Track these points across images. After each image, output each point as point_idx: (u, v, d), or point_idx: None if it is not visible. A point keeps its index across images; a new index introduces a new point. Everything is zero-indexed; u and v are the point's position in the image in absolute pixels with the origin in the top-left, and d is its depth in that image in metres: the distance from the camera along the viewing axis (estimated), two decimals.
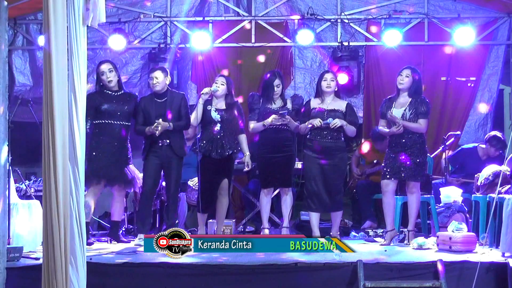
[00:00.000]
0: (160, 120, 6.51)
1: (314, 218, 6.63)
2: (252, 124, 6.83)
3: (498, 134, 7.71)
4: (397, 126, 6.45)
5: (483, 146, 7.73)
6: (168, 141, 6.59)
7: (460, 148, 8.05)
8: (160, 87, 6.67)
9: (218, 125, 6.65)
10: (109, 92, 6.66)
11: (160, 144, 6.60)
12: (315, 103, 6.68)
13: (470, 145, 7.99)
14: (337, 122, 6.49)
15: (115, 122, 6.59)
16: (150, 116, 6.62)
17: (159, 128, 6.47)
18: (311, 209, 6.61)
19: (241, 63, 8.75)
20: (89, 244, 5.83)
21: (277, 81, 6.77)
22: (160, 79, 6.66)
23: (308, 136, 6.64)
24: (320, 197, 6.57)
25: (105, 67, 6.64)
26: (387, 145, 6.72)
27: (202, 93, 6.69)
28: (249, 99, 6.94)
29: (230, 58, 8.74)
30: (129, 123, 6.71)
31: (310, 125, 6.53)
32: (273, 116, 6.66)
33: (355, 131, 6.77)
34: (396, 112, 6.56)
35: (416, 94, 6.57)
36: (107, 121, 6.57)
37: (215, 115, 6.66)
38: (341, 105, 6.68)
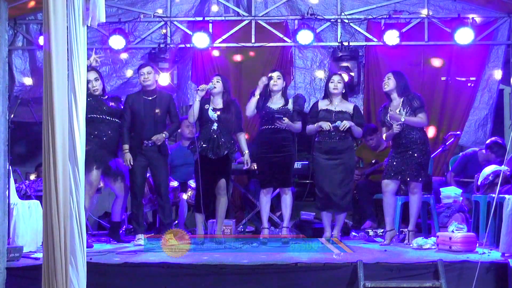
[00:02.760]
0: (158, 136, 6.59)
1: (326, 217, 6.71)
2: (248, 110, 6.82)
3: (499, 140, 7.65)
4: (396, 124, 6.46)
5: (484, 151, 7.69)
6: (153, 141, 6.64)
7: (461, 156, 7.99)
8: (150, 83, 6.73)
9: (215, 124, 6.66)
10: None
11: (145, 145, 6.65)
12: (323, 104, 6.77)
13: (470, 150, 7.96)
14: (346, 124, 6.56)
15: (103, 116, 6.58)
16: (139, 114, 6.66)
17: (159, 144, 6.63)
18: (320, 209, 6.71)
19: (241, 63, 8.74)
20: (89, 246, 5.81)
21: (277, 73, 6.80)
22: (150, 75, 6.71)
23: (317, 139, 6.70)
24: (329, 197, 6.62)
25: (91, 76, 6.52)
26: (381, 141, 6.74)
27: (199, 89, 6.70)
28: (250, 96, 6.93)
29: (230, 58, 8.74)
30: (118, 120, 6.70)
31: (320, 128, 6.60)
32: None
33: (361, 132, 6.86)
34: None
35: (405, 92, 6.60)
36: (95, 116, 6.53)
37: (212, 114, 6.66)
38: (348, 107, 6.74)
